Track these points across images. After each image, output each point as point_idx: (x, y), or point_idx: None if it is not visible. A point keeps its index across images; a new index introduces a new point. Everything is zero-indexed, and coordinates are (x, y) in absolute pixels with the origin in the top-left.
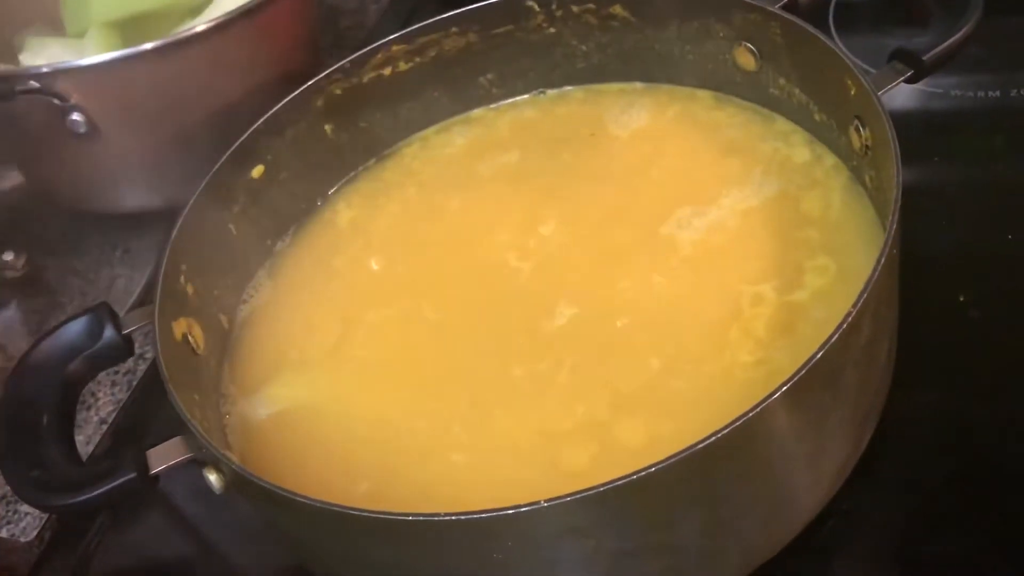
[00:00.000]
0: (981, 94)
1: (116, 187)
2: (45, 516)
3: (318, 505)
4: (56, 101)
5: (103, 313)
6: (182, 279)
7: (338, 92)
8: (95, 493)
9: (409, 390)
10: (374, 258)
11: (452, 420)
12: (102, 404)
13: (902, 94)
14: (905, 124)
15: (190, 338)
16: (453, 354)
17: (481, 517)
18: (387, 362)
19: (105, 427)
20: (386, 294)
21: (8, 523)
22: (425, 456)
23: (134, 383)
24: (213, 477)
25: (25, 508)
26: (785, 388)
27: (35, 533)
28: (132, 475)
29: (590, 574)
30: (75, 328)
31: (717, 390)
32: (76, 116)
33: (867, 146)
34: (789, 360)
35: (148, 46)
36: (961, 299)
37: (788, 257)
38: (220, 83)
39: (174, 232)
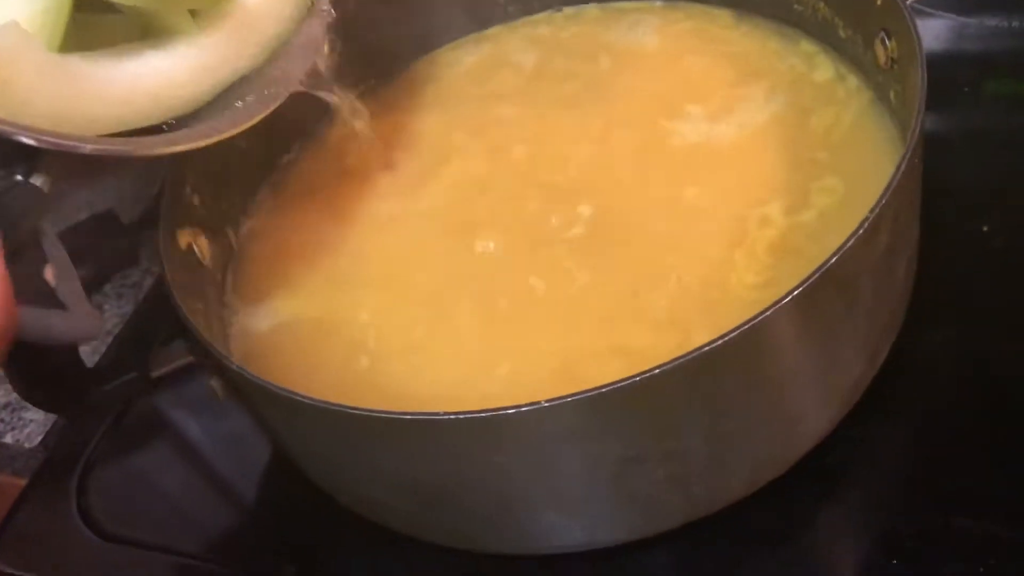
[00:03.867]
0: (1016, 24)
1: None
2: (49, 423)
3: (320, 405)
4: None
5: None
6: (188, 189)
7: (352, 6)
8: (98, 392)
9: (417, 301)
10: (382, 171)
11: (461, 332)
12: (108, 316)
13: (931, 30)
14: (933, 63)
15: (195, 248)
16: (464, 265)
17: (482, 416)
18: (394, 274)
19: (111, 339)
20: (393, 206)
21: (13, 429)
22: (432, 368)
23: (140, 297)
24: (214, 383)
25: (30, 415)
26: (798, 292)
27: (39, 440)
28: (133, 375)
29: (593, 480)
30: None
31: (721, 311)
32: None
33: (892, 59)
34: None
35: None
36: (985, 229)
37: (796, 177)
38: None
39: None
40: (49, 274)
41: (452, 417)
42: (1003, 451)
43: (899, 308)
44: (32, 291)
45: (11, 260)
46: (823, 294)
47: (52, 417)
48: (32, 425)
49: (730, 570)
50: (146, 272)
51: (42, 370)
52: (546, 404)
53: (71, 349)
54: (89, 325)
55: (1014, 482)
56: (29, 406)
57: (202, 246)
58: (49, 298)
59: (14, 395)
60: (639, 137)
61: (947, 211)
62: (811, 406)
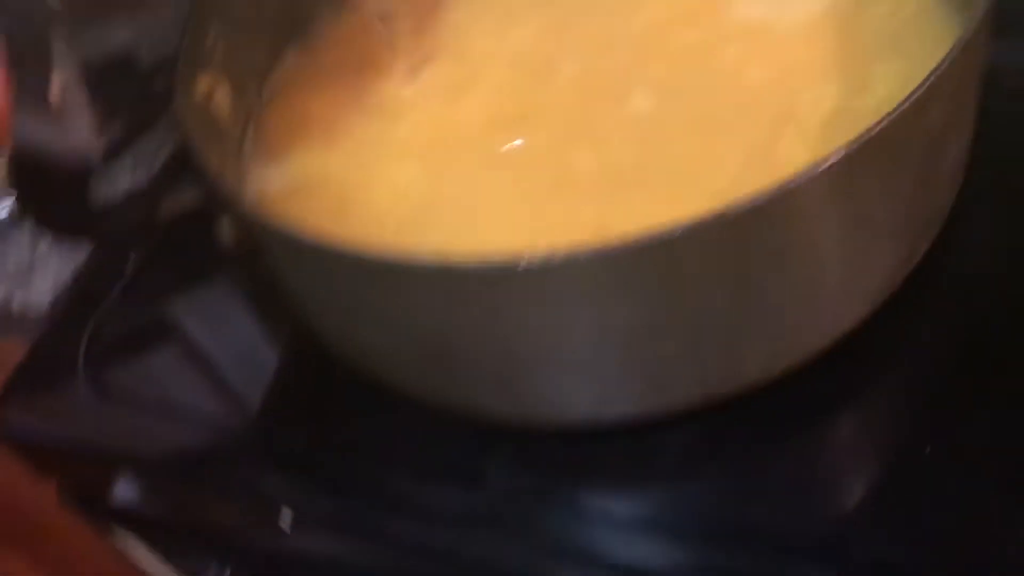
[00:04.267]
0: None
1: None
2: (57, 291)
3: (338, 250)
4: None
5: None
6: (212, 35)
7: None
8: (107, 224)
9: (449, 175)
10: (416, 42)
11: (497, 206)
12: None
13: None
14: None
15: (214, 100)
16: (505, 138)
17: (496, 265)
18: (426, 147)
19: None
20: (426, 79)
21: (23, 290)
22: (460, 242)
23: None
24: (225, 231)
25: (38, 281)
26: (836, 160)
27: (48, 303)
28: (146, 217)
29: (607, 345)
30: None
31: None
32: None
33: None
34: None
35: None
36: None
37: (857, 61)
38: None
39: None
40: (54, 89)
41: (467, 265)
42: None
43: (945, 198)
44: (36, 103)
45: (16, 64)
46: (864, 165)
47: (60, 284)
48: (40, 295)
49: (747, 459)
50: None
51: (51, 192)
52: (563, 256)
53: (79, 175)
54: (87, 143)
55: None
56: (38, 268)
57: (222, 98)
58: (53, 115)
59: (23, 260)
60: (694, 15)
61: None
62: (841, 292)
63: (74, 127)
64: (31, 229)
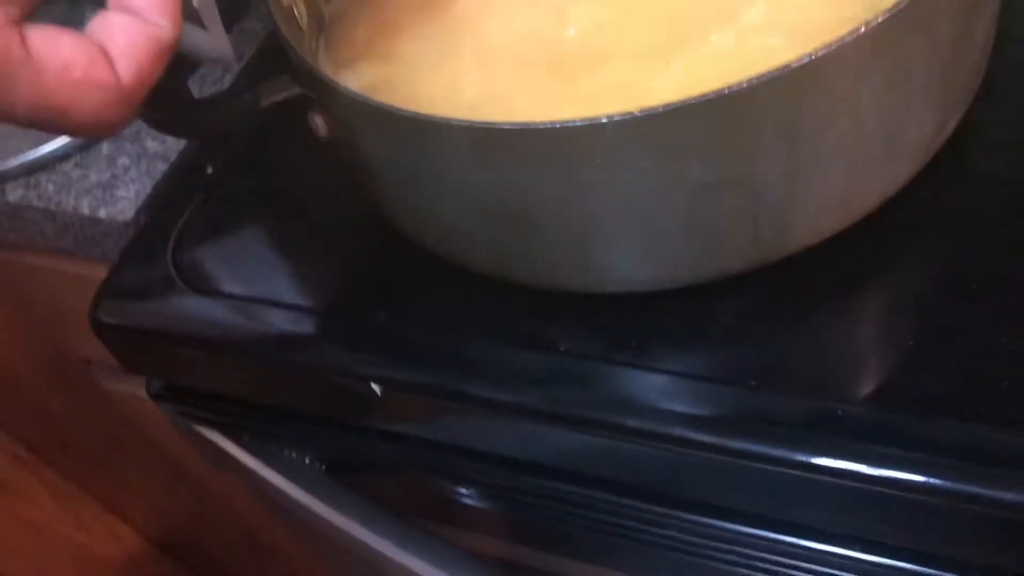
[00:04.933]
0: None
1: None
2: (140, 200)
3: (422, 117)
4: None
5: None
6: None
7: None
8: (207, 118)
9: (521, 83)
10: None
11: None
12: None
13: None
14: None
15: (295, 10)
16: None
17: (569, 125)
18: (498, 55)
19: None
20: None
21: (106, 204)
22: None
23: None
24: (319, 120)
25: (121, 192)
26: (885, 18)
27: (132, 214)
28: (246, 99)
29: (667, 203)
30: None
31: None
32: None
33: None
34: None
35: None
36: None
37: None
38: None
39: None
40: None
41: (545, 126)
42: None
43: (974, 72)
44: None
45: None
46: (906, 26)
47: (143, 194)
48: (124, 202)
49: (799, 320)
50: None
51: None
52: (638, 114)
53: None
54: (224, 47)
55: None
56: (121, 184)
57: (301, 9)
58: (191, 17)
59: (107, 174)
60: None
61: None
62: (884, 154)
63: (214, 29)
64: (110, 146)
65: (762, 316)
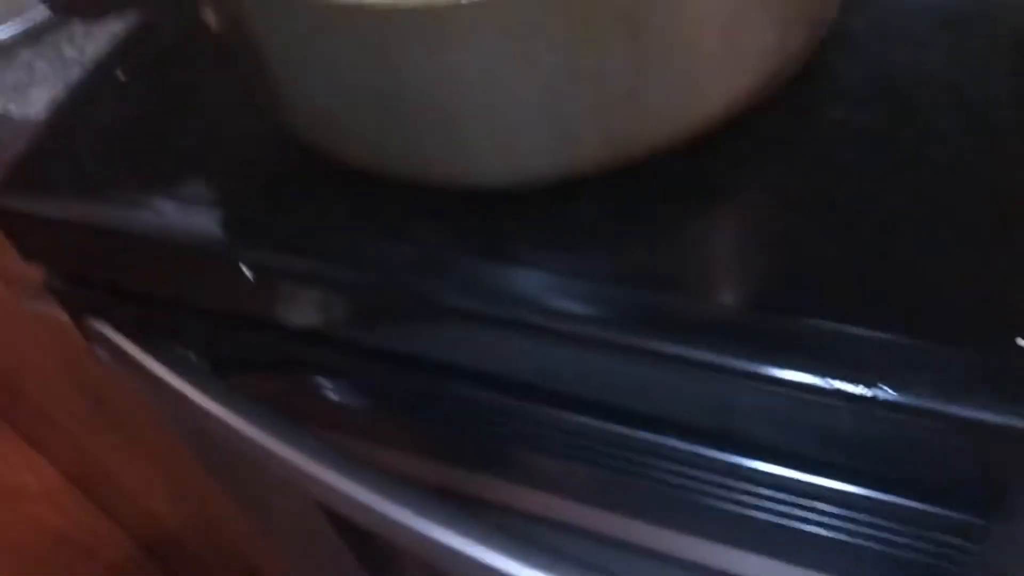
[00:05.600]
0: None
1: None
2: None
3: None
4: None
5: None
6: None
7: None
8: None
9: None
10: None
11: None
12: None
13: None
14: None
15: None
16: None
17: (433, 4)
18: None
19: None
20: None
21: (18, 104)
22: None
23: None
24: (208, 10)
25: (35, 94)
26: None
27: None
28: None
29: (522, 91)
30: None
31: None
32: None
33: None
34: None
35: None
36: None
37: None
38: None
39: None
40: None
41: (411, 5)
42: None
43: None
44: None
45: None
46: None
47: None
48: (38, 104)
49: (655, 220)
50: None
51: None
52: None
53: None
54: None
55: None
56: (36, 86)
57: None
58: None
59: (23, 76)
60: None
61: None
62: (723, 60)
63: None
64: (28, 52)
65: (617, 219)
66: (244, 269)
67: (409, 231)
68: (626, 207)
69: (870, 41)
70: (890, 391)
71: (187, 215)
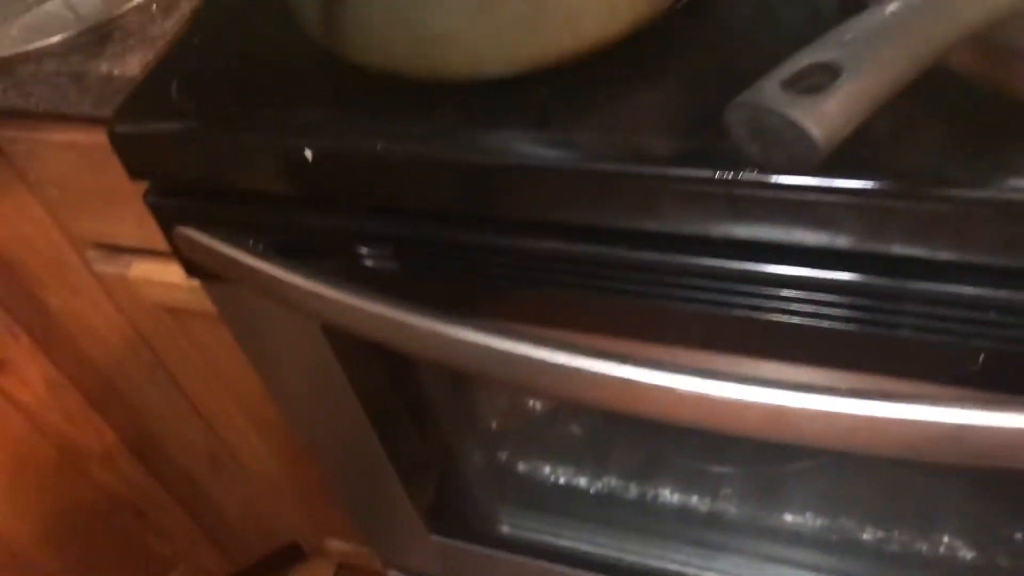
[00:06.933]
0: None
1: None
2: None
3: None
4: None
5: None
6: None
7: None
8: None
9: None
10: None
11: None
12: None
13: None
14: None
15: None
16: None
17: None
18: None
19: None
20: None
21: (119, 66)
22: None
23: None
24: None
25: (130, 60)
26: None
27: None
28: None
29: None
30: None
31: None
32: None
33: None
34: None
35: None
36: None
37: None
38: None
39: None
40: None
41: None
42: None
43: None
44: None
45: None
46: None
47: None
48: (135, 68)
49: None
50: None
51: None
52: None
53: None
54: None
55: None
56: (129, 52)
57: None
58: None
59: (118, 46)
60: None
61: None
62: None
63: None
64: (120, 30)
65: (570, 99)
66: (307, 152)
67: (428, 112)
68: (571, 94)
69: None
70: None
71: (253, 119)
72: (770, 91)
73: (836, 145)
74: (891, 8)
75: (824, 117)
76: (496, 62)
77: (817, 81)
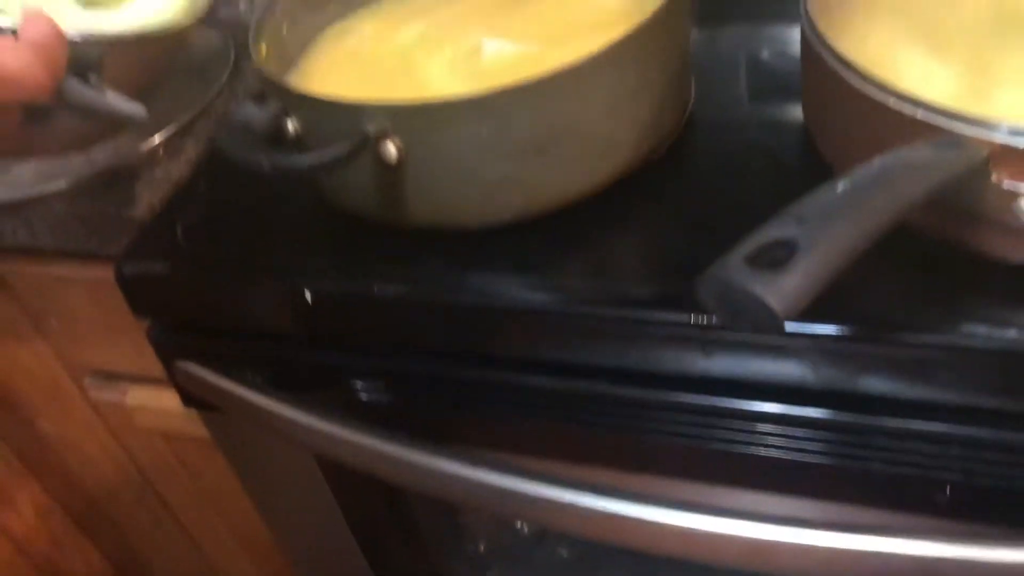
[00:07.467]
0: None
1: None
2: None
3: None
4: None
5: None
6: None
7: None
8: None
9: None
10: None
11: None
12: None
13: None
14: None
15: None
16: None
17: (429, 104)
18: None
19: None
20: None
21: (127, 207)
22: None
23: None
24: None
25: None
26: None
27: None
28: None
29: (494, 156)
30: None
31: None
32: None
33: None
34: None
35: None
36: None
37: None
38: None
39: None
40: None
41: (418, 105)
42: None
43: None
44: None
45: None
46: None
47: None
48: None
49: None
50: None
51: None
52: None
53: None
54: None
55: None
56: (139, 196)
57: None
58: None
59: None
60: None
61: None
62: (621, 138)
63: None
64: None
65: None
66: (307, 295)
67: (415, 262)
68: (567, 238)
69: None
70: None
71: (257, 266)
72: (735, 266)
73: (796, 314)
74: (841, 187)
75: (783, 291)
76: (486, 216)
77: (778, 255)
